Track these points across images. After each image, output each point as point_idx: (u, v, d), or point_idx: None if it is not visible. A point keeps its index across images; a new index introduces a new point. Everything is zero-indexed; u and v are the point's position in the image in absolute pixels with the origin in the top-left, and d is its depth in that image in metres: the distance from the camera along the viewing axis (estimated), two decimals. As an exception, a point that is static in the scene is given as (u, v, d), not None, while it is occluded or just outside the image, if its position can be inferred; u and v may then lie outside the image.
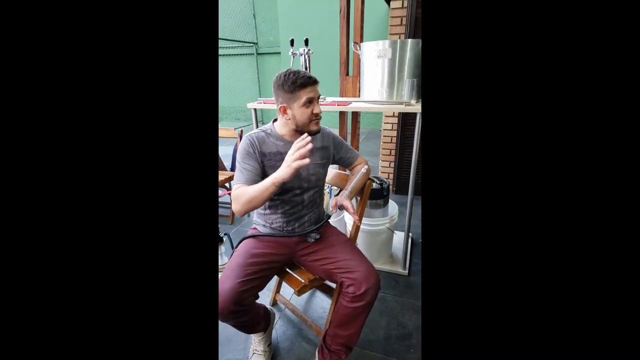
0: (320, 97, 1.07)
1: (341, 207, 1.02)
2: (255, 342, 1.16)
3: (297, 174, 1.04)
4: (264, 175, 0.98)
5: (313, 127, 0.98)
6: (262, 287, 0.99)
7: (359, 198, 1.17)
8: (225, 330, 1.24)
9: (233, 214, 2.24)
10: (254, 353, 1.15)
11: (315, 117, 0.97)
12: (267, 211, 1.08)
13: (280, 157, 0.99)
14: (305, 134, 0.85)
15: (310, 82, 0.93)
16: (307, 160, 0.81)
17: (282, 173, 0.84)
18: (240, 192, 0.92)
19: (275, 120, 1.06)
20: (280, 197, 1.04)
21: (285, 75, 0.94)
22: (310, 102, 0.95)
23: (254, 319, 1.03)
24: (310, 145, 0.82)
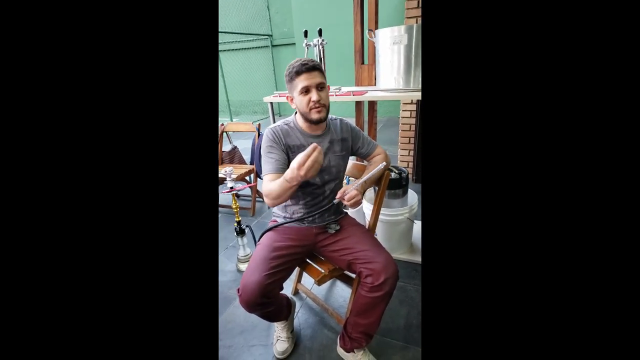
0: (336, 87, 1.05)
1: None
2: (278, 329, 1.20)
3: None
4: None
5: (314, 116, 0.96)
6: (286, 279, 1.02)
7: (377, 188, 1.17)
8: (250, 317, 1.29)
9: (254, 206, 2.30)
10: (277, 339, 1.19)
11: (315, 104, 0.94)
12: (288, 202, 1.09)
13: (303, 149, 0.99)
14: (314, 143, 0.83)
15: (304, 69, 0.92)
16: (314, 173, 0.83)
17: (292, 176, 0.84)
18: (268, 189, 0.94)
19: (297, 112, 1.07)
20: (302, 189, 1.05)
21: (288, 65, 0.96)
22: (307, 90, 0.94)
23: (278, 309, 1.07)
24: (317, 154, 0.81)
